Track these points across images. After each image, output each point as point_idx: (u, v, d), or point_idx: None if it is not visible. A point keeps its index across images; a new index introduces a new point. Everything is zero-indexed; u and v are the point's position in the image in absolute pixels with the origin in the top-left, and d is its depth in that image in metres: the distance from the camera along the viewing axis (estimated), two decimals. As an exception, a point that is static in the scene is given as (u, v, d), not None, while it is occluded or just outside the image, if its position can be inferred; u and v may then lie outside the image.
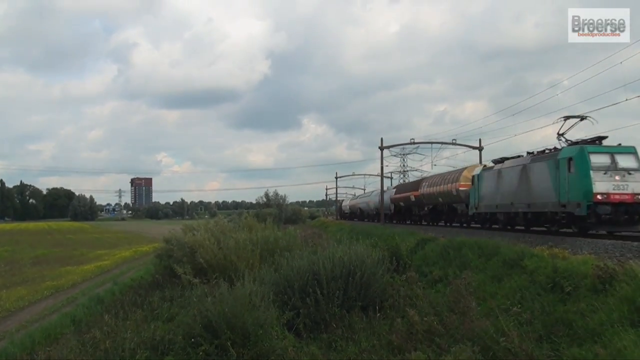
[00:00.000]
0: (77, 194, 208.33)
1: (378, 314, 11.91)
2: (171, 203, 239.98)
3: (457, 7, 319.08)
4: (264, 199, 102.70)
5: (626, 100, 23.08)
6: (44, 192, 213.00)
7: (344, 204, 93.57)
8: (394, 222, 47.68)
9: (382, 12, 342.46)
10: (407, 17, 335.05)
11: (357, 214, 73.27)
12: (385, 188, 50.75)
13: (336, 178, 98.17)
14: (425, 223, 38.96)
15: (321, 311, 11.95)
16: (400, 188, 50.13)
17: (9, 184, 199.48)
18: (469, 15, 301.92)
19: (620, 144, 18.54)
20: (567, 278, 10.28)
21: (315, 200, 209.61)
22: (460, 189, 31.14)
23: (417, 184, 42.02)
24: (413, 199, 41.47)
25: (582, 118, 21.02)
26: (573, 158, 18.44)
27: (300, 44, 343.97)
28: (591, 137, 19.49)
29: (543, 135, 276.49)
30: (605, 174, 17.53)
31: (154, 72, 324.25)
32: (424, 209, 39.72)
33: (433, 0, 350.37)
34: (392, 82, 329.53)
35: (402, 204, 45.80)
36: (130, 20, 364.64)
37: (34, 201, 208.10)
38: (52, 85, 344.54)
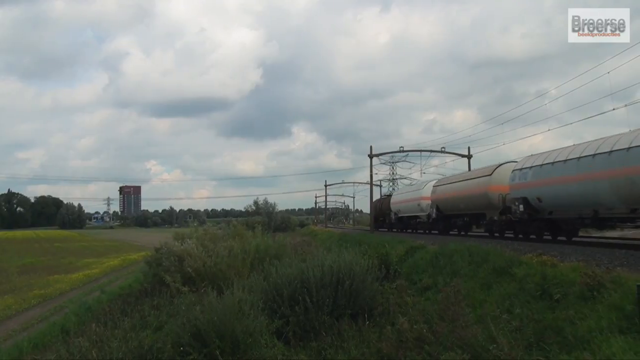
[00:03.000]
0: (65, 202, 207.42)
1: (367, 322, 11.89)
2: (160, 211, 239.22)
3: (446, 18, 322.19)
4: (253, 207, 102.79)
5: (613, 109, 23.03)
6: (32, 200, 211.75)
7: (393, 199, 49.45)
8: None
9: (373, 23, 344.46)
10: (397, 27, 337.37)
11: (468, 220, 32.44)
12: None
13: (325, 186, 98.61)
14: None
15: (310, 319, 11.91)
16: None
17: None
18: (458, 27, 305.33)
19: None
20: (556, 285, 10.35)
21: (304, 209, 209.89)
22: None
23: None
24: None
25: None
26: None
27: (292, 53, 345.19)
28: None
29: (530, 144, 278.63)
30: None
31: (145, 81, 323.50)
32: None
33: (422, 11, 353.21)
34: (382, 92, 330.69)
35: None
36: (122, 29, 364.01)
37: (21, 209, 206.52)
38: (43, 94, 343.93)
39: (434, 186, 36.92)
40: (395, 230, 46.79)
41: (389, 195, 54.52)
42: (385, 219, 51.52)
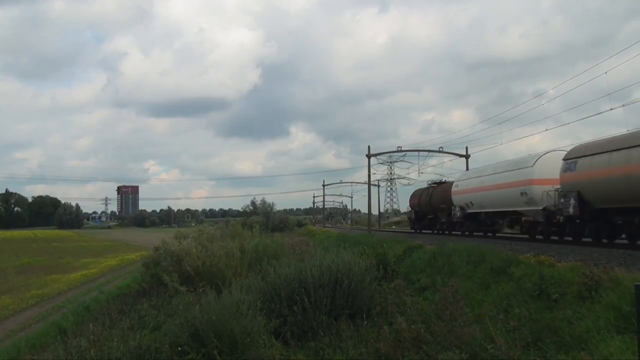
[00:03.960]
0: (63, 202, 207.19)
1: (366, 322, 11.89)
2: (158, 211, 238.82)
3: (444, 18, 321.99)
4: (251, 207, 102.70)
5: (611, 109, 22.96)
6: (30, 200, 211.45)
7: (459, 187, 31.61)
8: None
9: (371, 23, 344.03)
10: (396, 28, 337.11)
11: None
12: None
13: (323, 186, 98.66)
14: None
15: (308, 319, 11.92)
16: None
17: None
18: (456, 27, 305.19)
19: None
20: (553, 285, 10.37)
21: (302, 208, 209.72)
22: None
23: None
24: None
25: None
26: None
27: (291, 53, 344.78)
28: None
29: (528, 144, 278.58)
30: None
31: (144, 81, 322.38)
32: None
33: (421, 12, 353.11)
34: (380, 92, 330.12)
35: None
36: (121, 29, 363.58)
37: (19, 209, 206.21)
38: (41, 94, 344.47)
39: (566, 160, 20.13)
40: (459, 233, 31.52)
41: (443, 182, 38.09)
42: (439, 217, 36.03)
